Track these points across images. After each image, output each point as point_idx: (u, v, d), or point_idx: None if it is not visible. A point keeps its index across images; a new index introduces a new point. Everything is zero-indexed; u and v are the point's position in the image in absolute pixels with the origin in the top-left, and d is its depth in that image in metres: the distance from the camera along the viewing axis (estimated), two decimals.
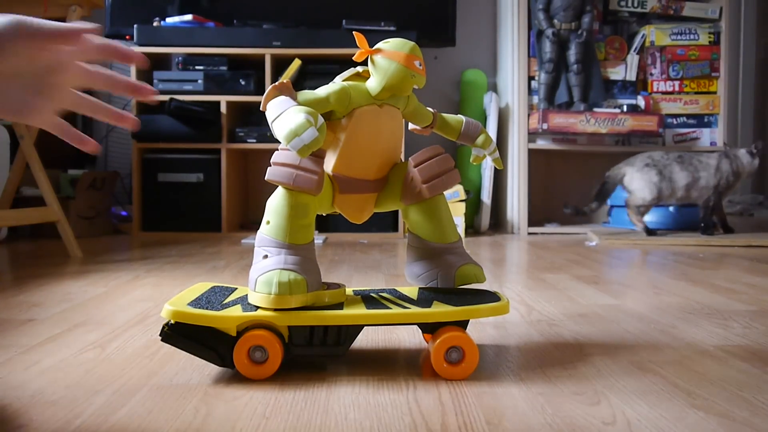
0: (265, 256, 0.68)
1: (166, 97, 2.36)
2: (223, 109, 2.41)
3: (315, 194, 0.68)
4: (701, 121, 2.59)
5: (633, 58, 2.59)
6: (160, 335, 0.68)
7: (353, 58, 0.71)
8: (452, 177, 0.75)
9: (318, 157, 0.68)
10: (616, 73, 2.58)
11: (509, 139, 2.59)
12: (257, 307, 0.68)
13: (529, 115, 2.52)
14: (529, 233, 2.51)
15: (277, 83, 0.66)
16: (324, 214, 0.76)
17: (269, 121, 0.63)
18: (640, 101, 2.56)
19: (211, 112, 2.38)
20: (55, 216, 1.73)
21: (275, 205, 0.68)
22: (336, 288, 0.71)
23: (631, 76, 2.59)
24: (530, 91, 2.55)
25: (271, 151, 0.71)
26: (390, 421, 0.57)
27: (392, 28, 2.47)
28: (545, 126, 2.39)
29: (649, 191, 2.14)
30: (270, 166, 0.68)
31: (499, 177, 2.69)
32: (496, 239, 2.34)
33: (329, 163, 0.72)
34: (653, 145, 2.58)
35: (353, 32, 0.71)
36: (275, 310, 0.67)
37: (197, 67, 2.43)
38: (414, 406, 0.60)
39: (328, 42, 2.40)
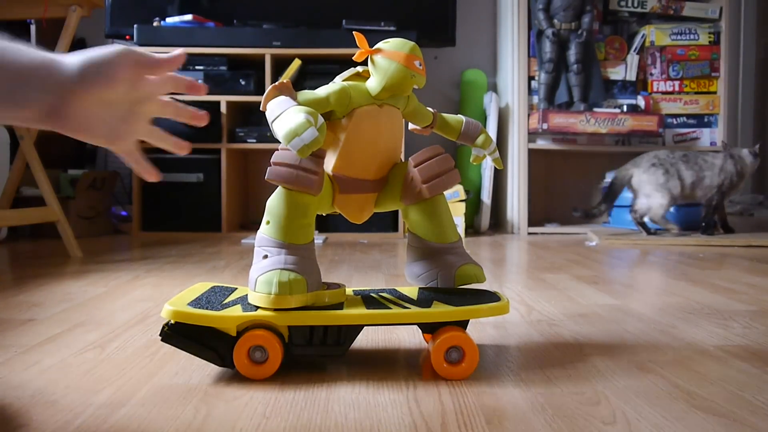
0: (265, 256, 0.68)
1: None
2: (223, 109, 2.41)
3: (315, 194, 0.68)
4: (701, 121, 2.59)
5: (633, 58, 2.59)
6: (160, 335, 0.68)
7: (353, 58, 0.71)
8: (452, 177, 0.75)
9: (318, 157, 0.68)
10: (616, 73, 2.58)
11: (509, 139, 2.59)
12: (257, 307, 0.68)
13: (529, 115, 2.52)
14: (529, 233, 2.51)
15: (277, 83, 0.66)
16: (324, 214, 0.76)
17: (269, 121, 0.63)
18: (640, 101, 2.56)
19: (211, 112, 2.38)
20: (55, 216, 1.73)
21: (275, 205, 0.68)
22: (336, 288, 0.71)
23: (631, 76, 2.59)
24: (530, 91, 2.55)
25: (271, 151, 0.71)
26: (390, 421, 0.57)
27: (392, 28, 2.47)
28: (545, 126, 2.39)
29: (661, 195, 2.13)
30: (270, 166, 0.68)
31: (499, 177, 2.69)
32: (496, 239, 2.34)
33: (329, 163, 0.72)
34: (653, 145, 2.58)
35: (353, 32, 0.71)
36: (275, 310, 0.67)
37: (197, 67, 2.43)
38: (414, 406, 0.60)
39: (328, 42, 2.40)
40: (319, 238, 2.22)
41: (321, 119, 0.62)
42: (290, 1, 2.65)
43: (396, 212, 2.35)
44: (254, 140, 2.42)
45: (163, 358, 0.76)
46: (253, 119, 2.63)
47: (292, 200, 0.68)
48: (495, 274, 1.44)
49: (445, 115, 0.80)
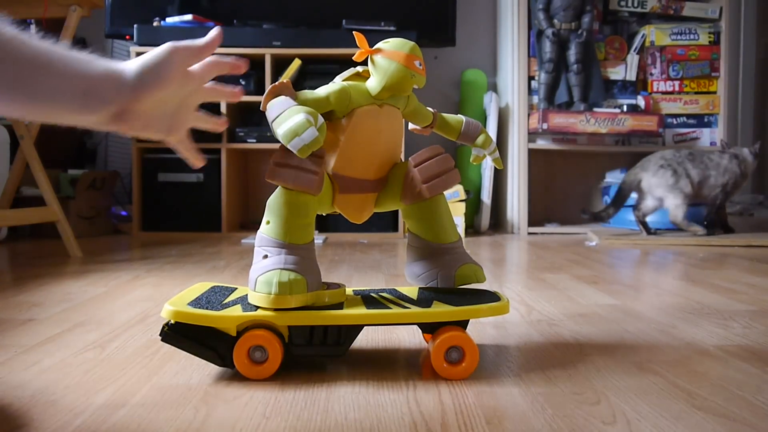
0: (265, 256, 0.68)
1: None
2: (223, 109, 2.41)
3: (315, 194, 0.69)
4: (701, 121, 2.59)
5: (633, 58, 2.59)
6: (160, 335, 0.68)
7: (353, 58, 0.71)
8: (452, 177, 0.75)
9: (318, 156, 0.68)
10: (616, 73, 2.58)
11: (509, 139, 2.59)
12: (257, 307, 0.68)
13: (529, 115, 2.52)
14: (529, 233, 2.51)
15: (277, 83, 0.66)
16: (324, 214, 0.76)
17: (269, 121, 0.63)
18: (640, 101, 2.56)
19: (211, 112, 2.37)
20: (55, 216, 1.73)
21: (275, 204, 0.68)
22: (336, 288, 0.71)
23: (631, 76, 2.59)
24: (530, 91, 2.55)
25: (271, 151, 0.71)
26: (390, 421, 0.57)
27: (392, 28, 2.47)
28: (545, 126, 2.39)
29: (674, 196, 2.13)
30: (270, 166, 0.68)
31: (499, 177, 2.69)
32: (496, 239, 2.34)
33: (329, 163, 0.72)
34: (653, 145, 2.58)
35: (353, 32, 0.71)
36: (275, 309, 0.67)
37: None
38: (414, 406, 0.60)
39: (328, 42, 2.40)
40: (319, 238, 2.22)
41: (321, 119, 0.62)
42: (290, 1, 2.65)
43: (396, 212, 2.35)
44: (254, 140, 2.42)
45: (163, 358, 0.76)
46: (253, 119, 2.63)
47: (292, 200, 0.68)
48: (495, 274, 1.44)
49: (445, 115, 0.80)
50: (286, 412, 0.59)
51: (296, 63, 2.35)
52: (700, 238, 2.10)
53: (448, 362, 0.68)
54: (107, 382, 0.67)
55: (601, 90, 2.51)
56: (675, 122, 2.59)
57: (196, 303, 0.70)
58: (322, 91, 0.68)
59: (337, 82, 0.71)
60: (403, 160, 0.77)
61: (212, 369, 0.71)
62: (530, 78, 2.55)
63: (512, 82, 2.56)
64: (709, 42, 2.58)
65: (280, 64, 2.45)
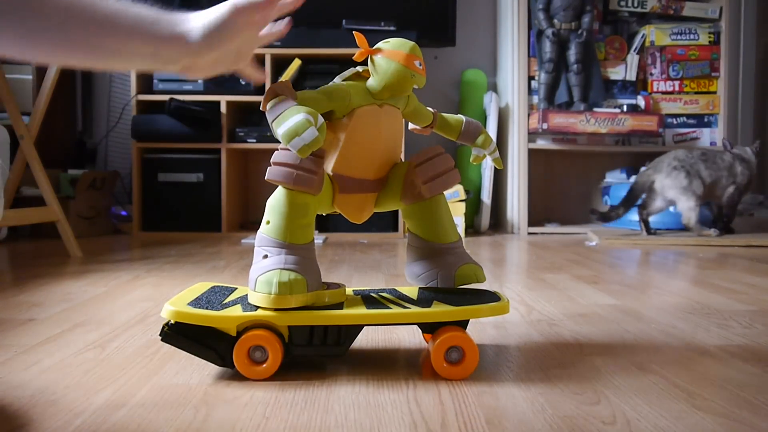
0: (265, 256, 0.68)
1: (166, 97, 2.36)
2: (223, 109, 2.41)
3: (315, 194, 0.69)
4: (701, 121, 2.59)
5: (633, 58, 2.59)
6: (160, 335, 0.68)
7: (353, 58, 0.71)
8: (452, 177, 0.75)
9: (318, 156, 0.68)
10: (616, 73, 2.58)
11: (509, 139, 2.59)
12: (257, 307, 0.68)
13: (529, 115, 2.52)
14: (529, 233, 2.51)
15: (277, 83, 0.66)
16: (324, 214, 0.76)
17: (269, 120, 0.64)
18: (640, 101, 2.56)
19: (211, 112, 2.38)
20: (55, 216, 1.73)
21: (275, 204, 0.68)
22: (336, 288, 0.71)
23: (631, 76, 2.59)
24: (530, 91, 2.55)
25: (271, 151, 0.71)
26: (390, 421, 0.57)
27: (392, 28, 2.47)
28: (545, 126, 2.39)
29: (687, 198, 2.12)
30: (270, 165, 0.68)
31: (499, 177, 2.69)
32: (496, 239, 2.34)
33: (329, 163, 0.72)
34: (653, 145, 2.58)
35: (353, 32, 0.71)
36: (275, 309, 0.67)
37: None
38: (414, 406, 0.60)
39: (328, 42, 2.40)
40: (319, 238, 2.22)
41: (321, 119, 0.62)
42: None
43: (396, 212, 2.35)
44: (254, 140, 2.42)
45: (163, 358, 0.76)
46: (253, 119, 2.63)
47: (292, 200, 0.68)
48: (495, 274, 1.44)
49: (445, 115, 0.80)
50: (286, 412, 0.59)
51: (296, 63, 2.35)
52: (700, 239, 2.10)
53: (448, 362, 0.68)
54: (107, 382, 0.67)
55: (601, 90, 2.51)
56: (675, 122, 2.59)
57: (196, 303, 0.70)
58: (322, 91, 0.68)
59: (337, 82, 0.71)
60: (403, 160, 0.77)
61: (212, 369, 0.71)
62: (530, 78, 2.55)
63: (512, 82, 2.56)
64: (709, 42, 2.58)
65: (280, 64, 2.45)
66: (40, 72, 2.29)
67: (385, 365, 0.73)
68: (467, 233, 2.45)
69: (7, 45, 0.54)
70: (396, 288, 0.79)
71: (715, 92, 2.58)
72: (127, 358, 0.76)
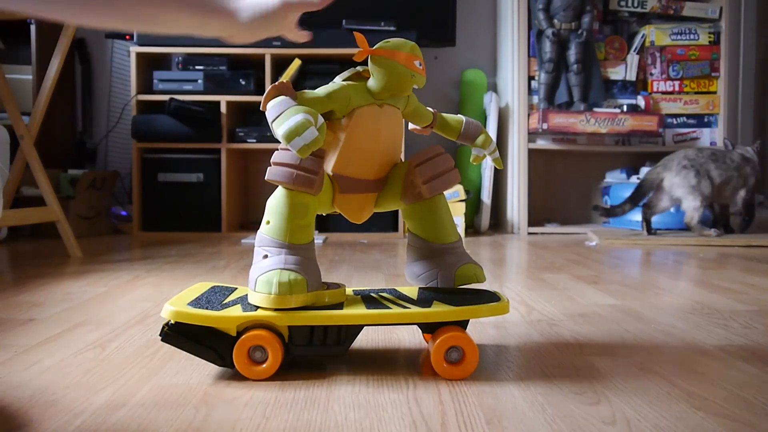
0: (265, 256, 0.68)
1: (166, 97, 2.36)
2: (223, 109, 2.41)
3: (315, 194, 0.69)
4: (701, 121, 2.59)
5: (633, 58, 2.59)
6: (160, 335, 0.68)
7: (353, 58, 0.71)
8: (452, 177, 0.75)
9: (318, 157, 0.68)
10: (616, 73, 2.58)
11: (509, 139, 2.59)
12: (257, 307, 0.68)
13: (529, 115, 2.52)
14: (529, 233, 2.51)
15: (277, 83, 0.66)
16: (324, 214, 0.76)
17: (269, 120, 0.64)
18: (640, 101, 2.56)
19: (211, 112, 2.38)
20: (55, 216, 1.73)
21: (275, 204, 0.68)
22: (336, 288, 0.71)
23: (631, 76, 2.59)
24: (530, 91, 2.55)
25: (271, 151, 0.71)
26: (390, 421, 0.57)
27: (392, 28, 2.47)
28: (545, 126, 2.39)
29: (693, 198, 2.12)
30: (270, 166, 0.68)
31: (499, 177, 2.69)
32: (496, 239, 2.34)
33: (329, 163, 0.72)
34: (653, 145, 2.58)
35: (353, 32, 0.71)
36: (275, 310, 0.67)
37: (197, 67, 2.43)
38: (414, 406, 0.60)
39: (328, 42, 2.40)
40: (319, 238, 2.22)
41: (321, 119, 0.62)
42: None
43: (396, 212, 2.35)
44: (254, 140, 2.42)
45: (163, 358, 0.76)
46: (253, 119, 2.63)
47: (292, 200, 0.68)
48: (495, 274, 1.44)
49: (445, 115, 0.80)
50: (286, 412, 0.59)
51: (296, 63, 2.35)
52: (700, 239, 2.10)
53: (448, 362, 0.68)
54: (107, 382, 0.67)
55: (601, 90, 2.51)
56: (675, 122, 2.59)
57: (196, 303, 0.70)
58: (322, 91, 0.68)
59: (337, 82, 0.71)
60: (403, 160, 0.77)
61: (212, 369, 0.71)
62: (530, 78, 2.55)
63: (512, 82, 2.56)
64: (709, 42, 2.58)
65: (280, 64, 2.45)
66: (40, 72, 2.29)
67: (385, 365, 0.73)
68: (467, 233, 2.45)
69: (59, 8, 0.57)
70: (396, 288, 0.79)
71: (715, 92, 2.58)
72: (127, 358, 0.76)
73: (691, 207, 2.13)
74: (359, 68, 0.73)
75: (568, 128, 2.40)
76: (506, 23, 2.67)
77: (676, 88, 2.57)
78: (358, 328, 0.70)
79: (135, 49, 2.40)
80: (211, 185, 2.43)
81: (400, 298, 0.73)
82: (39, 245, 2.04)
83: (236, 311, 0.68)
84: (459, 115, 0.81)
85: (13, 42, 2.47)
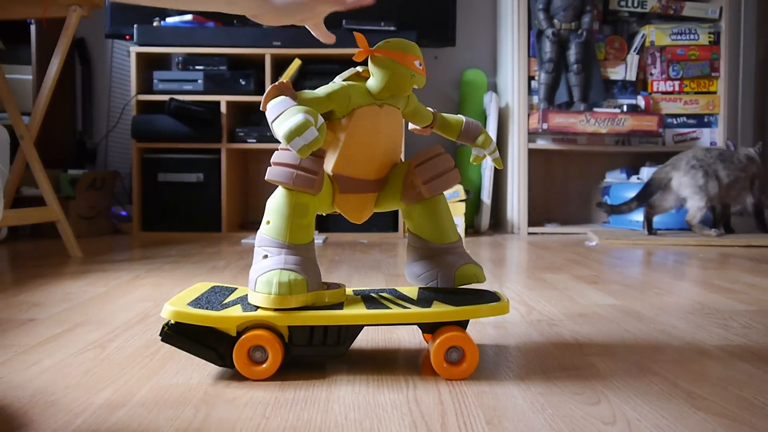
0: (265, 256, 0.68)
1: (166, 97, 2.36)
2: (223, 109, 2.41)
3: (315, 194, 0.69)
4: (701, 121, 2.59)
5: (633, 58, 2.59)
6: (160, 335, 0.68)
7: (353, 58, 0.71)
8: (452, 177, 0.75)
9: (318, 157, 0.68)
10: (616, 73, 2.58)
11: (509, 139, 2.59)
12: (257, 307, 0.68)
13: (529, 115, 2.52)
14: (529, 233, 2.51)
15: (277, 83, 0.66)
16: (324, 214, 0.76)
17: (269, 120, 0.64)
18: (640, 101, 2.56)
19: (211, 112, 2.38)
20: (55, 216, 1.73)
21: (275, 205, 0.68)
22: (336, 288, 0.71)
23: (631, 76, 2.59)
24: (530, 91, 2.55)
25: (271, 151, 0.71)
26: (390, 421, 0.57)
27: (392, 28, 2.47)
28: (545, 126, 2.39)
29: (699, 198, 2.12)
30: (270, 166, 0.68)
31: (499, 177, 2.69)
32: (496, 239, 2.34)
33: (329, 163, 0.72)
34: (653, 145, 2.58)
35: (353, 32, 0.71)
36: (275, 310, 0.67)
37: (197, 67, 2.43)
38: (414, 406, 0.60)
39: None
40: (319, 238, 2.22)
41: (321, 119, 0.62)
42: None
43: (396, 212, 2.35)
44: (254, 140, 2.42)
45: (163, 358, 0.76)
46: (253, 119, 2.63)
47: (292, 200, 0.68)
48: (495, 274, 1.44)
49: (445, 115, 0.80)
50: (286, 412, 0.59)
51: (296, 63, 2.35)
52: (700, 239, 2.10)
53: (448, 362, 0.68)
54: (107, 382, 0.67)
55: (601, 90, 2.51)
56: (675, 122, 2.59)
57: (196, 303, 0.70)
58: (322, 91, 0.68)
59: (337, 82, 0.71)
60: (403, 160, 0.77)
61: (212, 369, 0.71)
62: (530, 78, 2.55)
63: (512, 82, 2.56)
64: (709, 42, 2.58)
65: (280, 64, 2.45)
66: (40, 72, 2.29)
67: (385, 365, 0.73)
68: (467, 233, 2.45)
69: None
70: (396, 288, 0.79)
71: (715, 92, 2.58)
72: (127, 358, 0.76)
73: (695, 206, 2.13)
74: (359, 68, 0.73)
75: (568, 128, 2.40)
76: (506, 23, 2.67)
77: (676, 88, 2.57)
78: (358, 328, 0.70)
79: (135, 49, 2.40)
80: (211, 185, 2.43)
81: (400, 298, 0.73)
82: (39, 245, 2.04)
83: (236, 311, 0.68)
84: (459, 115, 0.81)
85: (13, 42, 2.47)
